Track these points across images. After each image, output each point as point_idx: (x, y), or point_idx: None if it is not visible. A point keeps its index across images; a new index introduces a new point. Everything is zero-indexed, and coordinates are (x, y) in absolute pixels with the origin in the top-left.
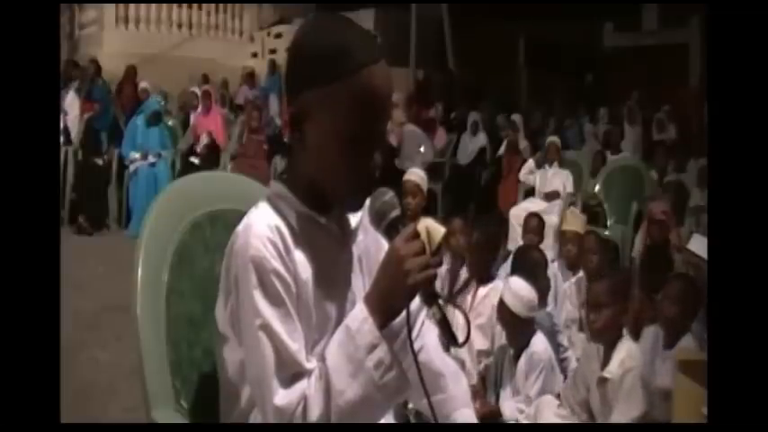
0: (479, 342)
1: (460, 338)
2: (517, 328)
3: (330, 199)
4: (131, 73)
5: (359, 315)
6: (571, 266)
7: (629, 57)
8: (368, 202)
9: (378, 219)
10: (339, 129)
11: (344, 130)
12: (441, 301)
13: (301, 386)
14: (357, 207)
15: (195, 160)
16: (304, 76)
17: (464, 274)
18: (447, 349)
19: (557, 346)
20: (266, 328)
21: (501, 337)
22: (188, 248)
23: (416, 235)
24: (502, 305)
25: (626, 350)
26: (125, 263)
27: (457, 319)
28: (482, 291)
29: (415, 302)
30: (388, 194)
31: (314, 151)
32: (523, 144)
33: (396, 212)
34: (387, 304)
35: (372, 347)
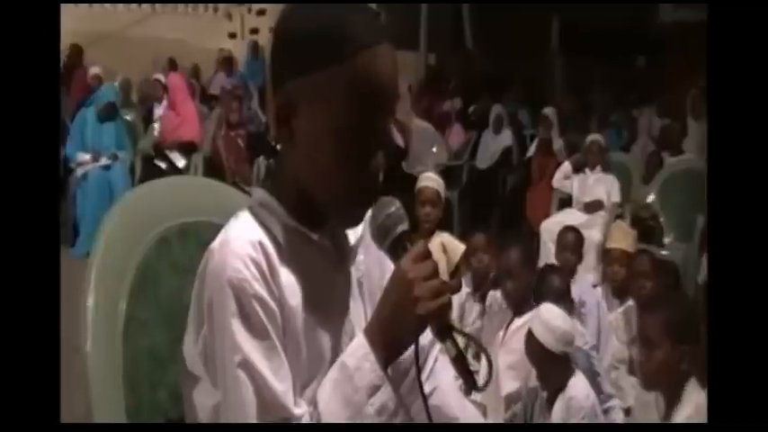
0: (509, 384)
1: (481, 381)
2: (550, 366)
3: (323, 210)
4: (77, 55)
5: (358, 351)
6: (618, 293)
7: (693, 34)
8: (369, 214)
9: (381, 235)
10: (334, 124)
11: (340, 125)
12: (456, 335)
13: None
14: (356, 221)
15: (162, 164)
16: (292, 62)
17: (498, 300)
18: (468, 392)
19: (599, 392)
20: (246, 365)
21: (532, 377)
22: (151, 269)
23: (427, 254)
24: (531, 338)
25: (694, 403)
26: (71, 288)
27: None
28: (517, 322)
29: (427, 335)
30: (394, 205)
31: (304, 152)
32: (558, 143)
33: (402, 227)
34: (391, 337)
35: (374, 390)
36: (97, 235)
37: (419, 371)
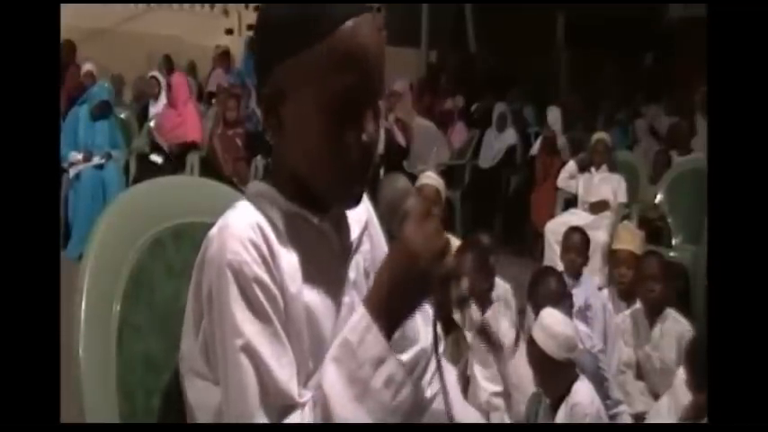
0: (486, 384)
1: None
2: (553, 372)
3: (321, 195)
4: (70, 50)
5: (359, 324)
6: (625, 295)
7: (702, 31)
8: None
9: (389, 212)
10: (319, 102)
11: (326, 102)
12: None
13: (293, 420)
14: (354, 200)
15: (158, 159)
16: (275, 48)
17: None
18: (497, 354)
19: (605, 397)
20: (248, 349)
21: (526, 383)
22: (146, 272)
23: (427, 213)
24: (532, 344)
25: None
26: (64, 291)
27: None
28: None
29: (429, 339)
30: (400, 180)
31: (294, 138)
32: (563, 142)
33: (411, 201)
34: (394, 305)
35: (379, 362)
36: (90, 237)
37: (439, 360)
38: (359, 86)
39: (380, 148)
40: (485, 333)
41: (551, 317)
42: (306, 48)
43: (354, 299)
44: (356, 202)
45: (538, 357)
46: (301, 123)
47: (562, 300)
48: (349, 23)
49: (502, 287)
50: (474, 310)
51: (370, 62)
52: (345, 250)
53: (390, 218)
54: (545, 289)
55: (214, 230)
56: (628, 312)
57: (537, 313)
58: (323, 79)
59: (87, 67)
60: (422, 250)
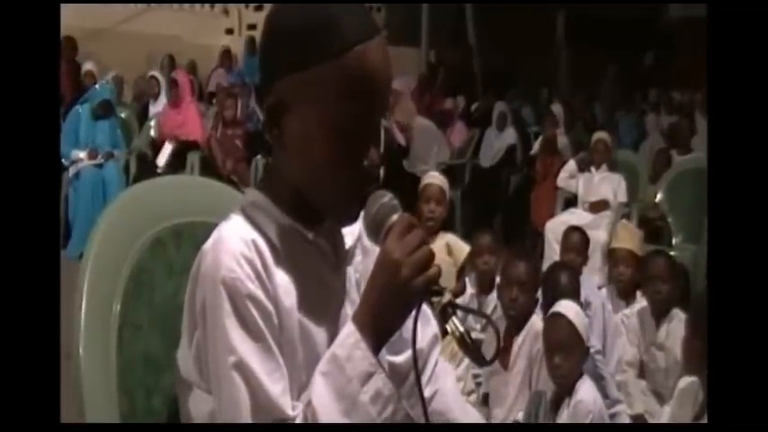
0: (519, 403)
1: (489, 354)
2: (569, 353)
3: (318, 210)
4: (70, 48)
5: (348, 339)
6: (624, 294)
7: (702, 31)
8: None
9: (375, 228)
10: (324, 123)
11: (331, 124)
12: (457, 311)
13: None
14: (350, 219)
15: (161, 158)
16: (283, 59)
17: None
18: (479, 366)
19: (604, 396)
20: (241, 366)
21: (534, 384)
22: (146, 271)
23: (411, 226)
24: (554, 322)
25: None
26: (64, 290)
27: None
28: (518, 340)
29: (426, 339)
30: (386, 196)
31: (296, 152)
32: (563, 141)
33: (396, 216)
34: (381, 322)
35: (367, 377)
36: (90, 236)
37: (418, 375)
38: (365, 110)
39: (380, 148)
40: (465, 345)
41: (568, 303)
42: (315, 65)
43: (347, 311)
44: (353, 220)
45: (558, 337)
46: (304, 139)
47: (573, 297)
48: (360, 47)
49: None
50: (461, 321)
51: (378, 87)
52: (339, 262)
53: (376, 233)
54: (558, 285)
55: (208, 244)
56: (635, 311)
57: (546, 309)
58: (330, 99)
59: (87, 66)
60: (402, 260)
